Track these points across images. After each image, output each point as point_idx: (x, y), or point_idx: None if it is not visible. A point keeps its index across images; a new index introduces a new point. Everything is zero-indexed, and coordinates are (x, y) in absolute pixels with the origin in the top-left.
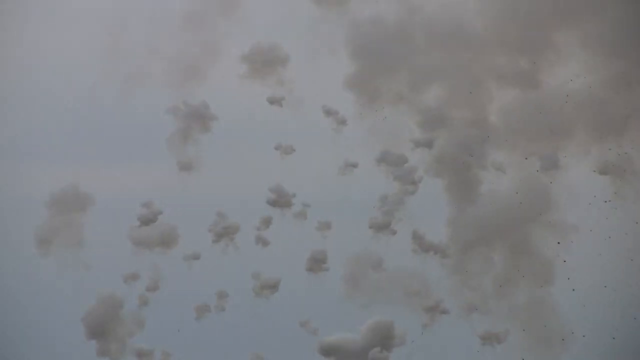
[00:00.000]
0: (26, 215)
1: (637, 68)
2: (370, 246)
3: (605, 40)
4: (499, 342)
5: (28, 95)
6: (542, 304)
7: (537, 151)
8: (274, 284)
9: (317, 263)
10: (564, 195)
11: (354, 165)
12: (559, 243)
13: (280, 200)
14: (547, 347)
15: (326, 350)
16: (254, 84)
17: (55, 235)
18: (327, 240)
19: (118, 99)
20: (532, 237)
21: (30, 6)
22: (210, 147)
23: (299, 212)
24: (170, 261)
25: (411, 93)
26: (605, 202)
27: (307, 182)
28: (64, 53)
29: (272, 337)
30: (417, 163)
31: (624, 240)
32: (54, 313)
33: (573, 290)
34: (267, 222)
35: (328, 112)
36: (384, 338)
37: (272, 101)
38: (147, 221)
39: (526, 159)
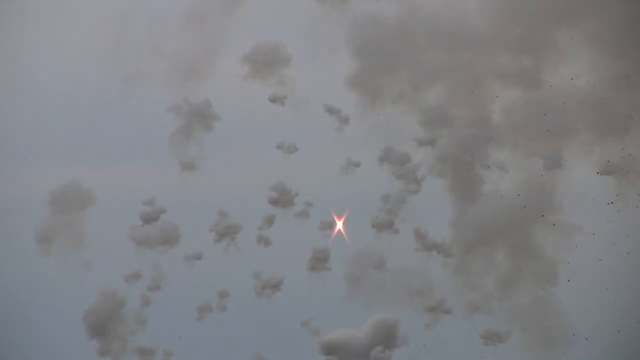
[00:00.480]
0: (26, 214)
1: None
2: (373, 245)
3: (608, 39)
4: (501, 342)
5: (28, 94)
6: (544, 304)
7: (539, 151)
8: (276, 284)
9: (319, 262)
10: (566, 196)
11: (357, 164)
12: (561, 247)
13: (282, 199)
14: (549, 348)
15: (327, 349)
16: (255, 83)
17: (55, 234)
18: (329, 239)
19: (119, 98)
20: (535, 237)
21: (30, 4)
22: (212, 146)
23: (301, 211)
24: (171, 260)
25: (413, 92)
26: (608, 204)
27: (309, 181)
28: (64, 51)
29: (273, 337)
30: (420, 162)
31: (626, 242)
32: (54, 313)
33: (575, 291)
34: (269, 221)
35: (330, 111)
36: (387, 337)
37: (274, 100)
38: (149, 219)
39: (525, 158)
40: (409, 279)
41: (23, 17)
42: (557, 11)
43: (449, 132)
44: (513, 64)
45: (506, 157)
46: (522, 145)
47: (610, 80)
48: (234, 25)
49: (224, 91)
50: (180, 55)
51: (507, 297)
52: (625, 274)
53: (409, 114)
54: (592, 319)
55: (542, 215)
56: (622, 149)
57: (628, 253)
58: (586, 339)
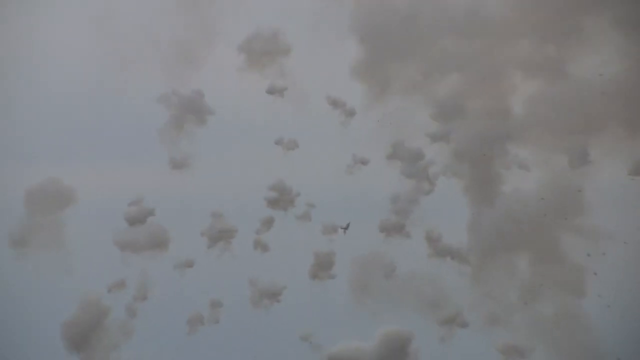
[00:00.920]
0: (0, 214)
1: None
2: (381, 250)
3: (639, 25)
4: (522, 358)
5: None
6: (571, 317)
7: (563, 147)
8: (274, 293)
9: (322, 269)
10: (593, 197)
11: (363, 162)
12: (589, 255)
13: (282, 199)
14: None
15: None
16: (252, 73)
17: (32, 236)
18: (333, 244)
19: (104, 88)
20: (560, 242)
21: None
22: (205, 142)
23: (302, 213)
24: (159, 267)
25: (425, 82)
26: None
27: (311, 180)
28: (44, 37)
29: (271, 352)
30: (432, 159)
31: None
32: (29, 323)
33: (608, 306)
34: (267, 224)
35: (334, 104)
36: (398, 351)
37: (273, 91)
38: (135, 222)
39: (550, 156)
40: (421, 288)
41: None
42: None
43: (464, 127)
44: (534, 52)
45: (527, 154)
46: (544, 142)
47: None
48: (229, 10)
49: (218, 82)
50: (171, 42)
51: (529, 309)
52: None
53: (420, 106)
54: (625, 335)
55: (565, 219)
56: None
57: None
58: (618, 359)
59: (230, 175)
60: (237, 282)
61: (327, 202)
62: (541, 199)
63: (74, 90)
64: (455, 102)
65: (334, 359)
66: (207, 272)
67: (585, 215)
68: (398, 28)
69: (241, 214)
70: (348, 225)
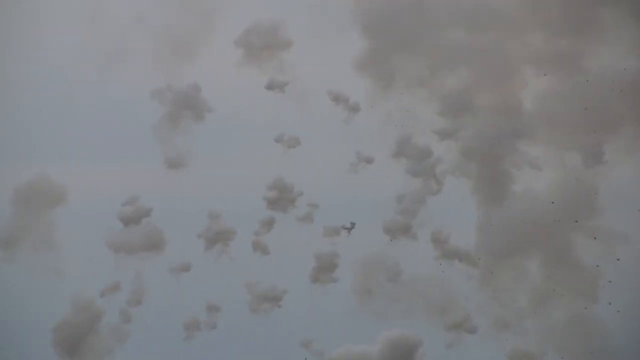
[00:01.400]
0: None
1: None
2: (387, 253)
3: None
4: None
5: None
6: (584, 322)
7: (577, 146)
8: (274, 298)
9: (324, 272)
10: (608, 199)
11: (368, 160)
12: (597, 266)
13: (282, 200)
14: None
15: None
16: (251, 68)
17: (21, 237)
18: (336, 246)
19: (95, 81)
20: (573, 245)
21: None
22: (202, 139)
23: (304, 214)
24: (155, 270)
25: (431, 77)
26: None
27: (313, 180)
28: (30, 26)
29: (270, 358)
30: (440, 157)
31: None
32: (18, 328)
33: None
34: (267, 225)
35: (337, 99)
36: (404, 357)
37: (272, 87)
38: (129, 222)
39: (563, 155)
40: (428, 291)
41: None
42: None
43: (472, 124)
44: (547, 46)
45: (538, 152)
46: (557, 140)
47: None
48: (227, 1)
49: (215, 77)
50: (165, 33)
51: (540, 314)
52: None
53: (427, 102)
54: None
55: (576, 221)
56: None
57: None
58: None
59: (228, 175)
60: (235, 286)
61: (329, 202)
62: (551, 202)
63: (65, 85)
64: (463, 98)
65: None
66: (205, 275)
67: (599, 217)
68: (403, 20)
69: (240, 215)
70: (353, 225)
